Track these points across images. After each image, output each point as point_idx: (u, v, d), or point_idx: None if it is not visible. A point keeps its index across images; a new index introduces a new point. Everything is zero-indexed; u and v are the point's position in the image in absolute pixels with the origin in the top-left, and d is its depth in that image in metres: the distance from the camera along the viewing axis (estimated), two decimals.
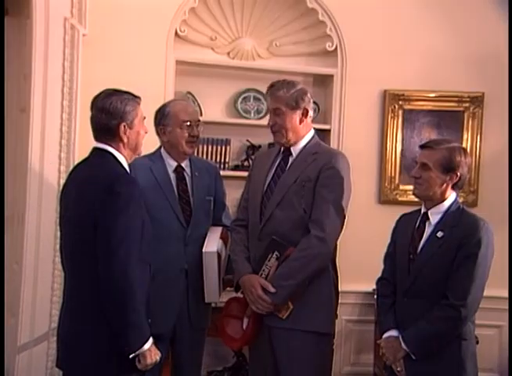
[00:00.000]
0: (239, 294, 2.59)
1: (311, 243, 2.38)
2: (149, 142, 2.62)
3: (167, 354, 2.64)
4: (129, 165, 2.13)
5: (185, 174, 2.73)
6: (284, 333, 2.43)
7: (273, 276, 2.42)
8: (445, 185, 2.31)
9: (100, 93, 2.08)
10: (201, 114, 3.65)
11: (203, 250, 2.57)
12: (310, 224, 2.41)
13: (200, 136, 2.77)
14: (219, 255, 2.56)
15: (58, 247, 2.77)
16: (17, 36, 3.05)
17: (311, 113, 2.53)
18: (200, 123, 2.73)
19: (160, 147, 2.76)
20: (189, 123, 2.67)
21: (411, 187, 2.41)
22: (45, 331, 3.02)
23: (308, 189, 2.43)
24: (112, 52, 3.44)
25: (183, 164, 2.73)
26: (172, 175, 2.70)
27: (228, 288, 2.74)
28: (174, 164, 2.71)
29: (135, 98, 2.11)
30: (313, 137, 2.56)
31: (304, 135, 2.53)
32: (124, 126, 2.05)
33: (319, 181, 2.42)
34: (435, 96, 3.81)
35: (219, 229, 2.73)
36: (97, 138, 2.09)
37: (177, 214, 2.64)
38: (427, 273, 2.28)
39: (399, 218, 2.52)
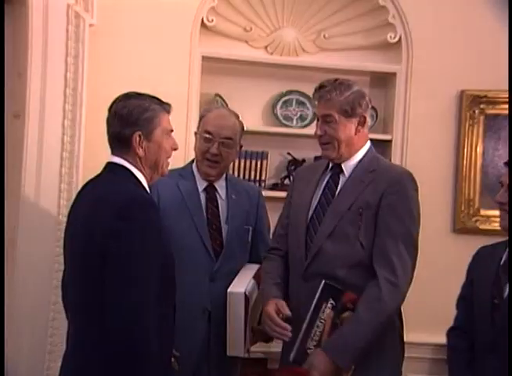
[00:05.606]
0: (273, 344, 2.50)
1: (384, 291, 2.15)
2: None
3: None
4: (150, 186, 2.00)
5: (217, 195, 2.58)
6: None
7: (332, 334, 2.17)
8: None
9: (119, 96, 1.97)
10: None
11: (228, 290, 2.39)
12: (376, 264, 2.20)
13: None
14: (247, 298, 2.36)
15: (56, 269, 2.80)
16: (11, 27, 2.95)
17: (369, 120, 2.36)
18: (228, 142, 2.51)
19: (192, 161, 2.64)
20: (207, 135, 2.49)
21: (495, 213, 2.39)
22: None
23: (366, 218, 2.22)
24: (125, 46, 3.23)
25: (217, 185, 2.59)
26: (202, 195, 2.55)
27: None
28: (205, 182, 2.57)
29: (163, 104, 1.97)
30: (369, 150, 2.36)
31: (359, 149, 2.33)
32: (140, 136, 1.90)
33: (382, 208, 2.22)
34: None
35: (255, 268, 2.55)
36: (112, 150, 1.97)
37: (204, 242, 2.49)
38: None
39: (477, 252, 2.39)
